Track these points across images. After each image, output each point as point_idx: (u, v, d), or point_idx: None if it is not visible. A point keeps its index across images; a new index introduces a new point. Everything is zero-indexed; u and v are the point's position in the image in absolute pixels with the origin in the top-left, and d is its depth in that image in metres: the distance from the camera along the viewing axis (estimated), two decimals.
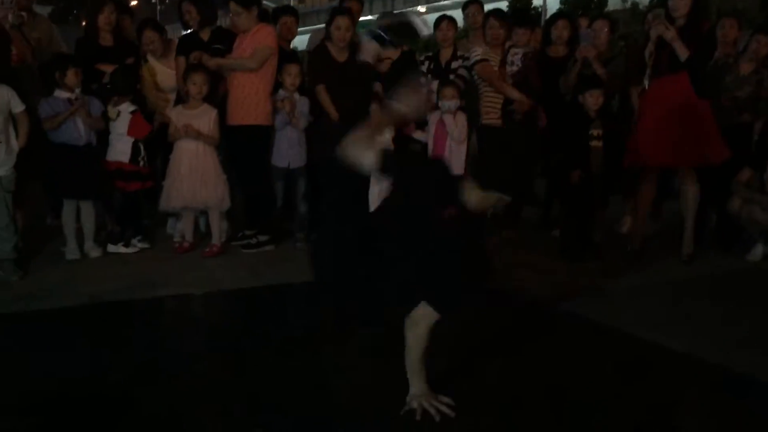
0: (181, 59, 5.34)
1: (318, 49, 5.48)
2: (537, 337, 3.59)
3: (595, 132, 5.14)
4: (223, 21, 5.84)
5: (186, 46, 5.44)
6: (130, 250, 5.12)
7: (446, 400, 2.66)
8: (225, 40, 5.36)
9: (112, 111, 4.99)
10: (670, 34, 4.72)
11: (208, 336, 3.65)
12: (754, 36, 5.42)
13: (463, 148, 5.54)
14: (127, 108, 5.02)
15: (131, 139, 5.02)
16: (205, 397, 2.82)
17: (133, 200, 5.17)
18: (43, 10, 5.55)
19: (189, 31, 5.64)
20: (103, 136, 5.02)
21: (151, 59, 5.48)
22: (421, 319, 2.60)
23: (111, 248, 5.10)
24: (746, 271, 4.94)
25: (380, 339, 3.14)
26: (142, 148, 5.07)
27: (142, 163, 5.08)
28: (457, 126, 5.45)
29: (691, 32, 4.73)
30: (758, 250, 5.11)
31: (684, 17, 4.77)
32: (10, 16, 4.71)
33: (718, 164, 4.84)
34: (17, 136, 4.49)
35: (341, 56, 5.31)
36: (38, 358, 3.17)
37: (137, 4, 28.96)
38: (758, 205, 5.02)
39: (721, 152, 4.80)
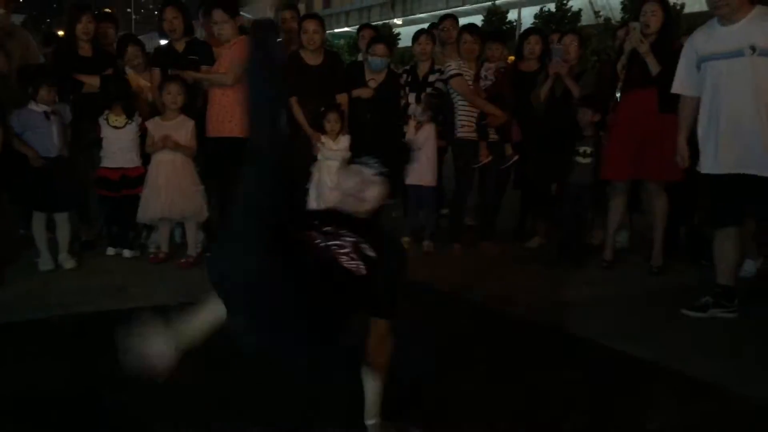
0: (156, 71, 5.35)
1: (290, 56, 5.54)
2: (508, 347, 3.64)
3: (582, 149, 5.31)
4: (199, 33, 5.87)
5: (161, 57, 5.45)
6: (129, 254, 5.22)
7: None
8: (200, 51, 5.38)
9: (119, 119, 5.05)
10: (644, 47, 4.84)
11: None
12: None
13: (434, 157, 5.59)
14: (137, 118, 5.14)
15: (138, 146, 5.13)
16: (178, 407, 2.82)
17: (130, 204, 5.20)
18: (16, 19, 5.50)
19: (164, 42, 5.66)
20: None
21: (130, 72, 5.48)
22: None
23: (110, 251, 5.23)
24: (713, 282, 5.02)
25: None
26: None
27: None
28: (418, 136, 5.52)
29: (662, 48, 4.86)
30: (750, 266, 5.12)
31: (655, 34, 4.90)
32: None
33: (678, 180, 4.94)
34: None
35: (315, 61, 5.41)
36: (11, 369, 3.16)
37: (111, 12, 28.78)
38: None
39: (678, 172, 4.88)
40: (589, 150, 5.31)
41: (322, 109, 5.34)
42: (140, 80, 5.50)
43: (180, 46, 5.42)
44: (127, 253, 5.23)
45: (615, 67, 5.14)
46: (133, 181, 5.15)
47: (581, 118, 5.34)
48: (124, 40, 5.77)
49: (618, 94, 5.20)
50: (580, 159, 5.34)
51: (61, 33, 6.96)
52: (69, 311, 4.01)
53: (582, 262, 5.29)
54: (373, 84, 5.65)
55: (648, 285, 4.93)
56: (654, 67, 4.84)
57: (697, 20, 18.77)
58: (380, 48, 5.70)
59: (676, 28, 5.07)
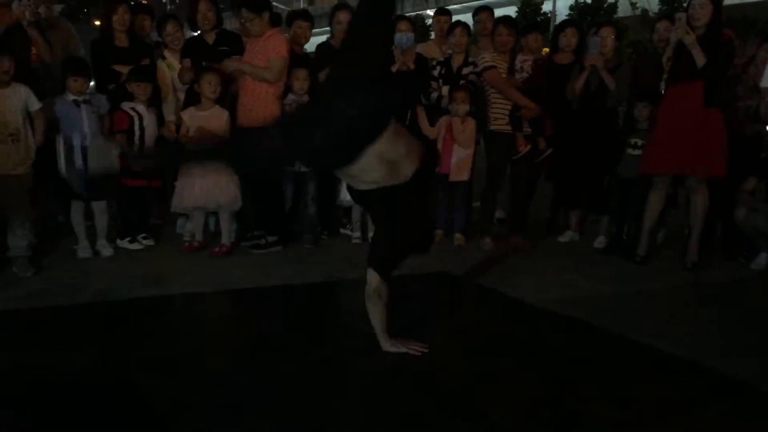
0: (187, 61, 5.41)
1: (320, 46, 5.71)
2: (538, 339, 3.64)
3: (633, 141, 5.33)
4: (228, 23, 5.94)
5: (191, 48, 5.51)
6: (135, 246, 5.20)
7: (416, 344, 3.26)
8: (230, 42, 5.44)
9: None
10: (690, 38, 4.76)
11: (218, 334, 3.70)
12: (762, 45, 5.46)
13: (470, 153, 5.60)
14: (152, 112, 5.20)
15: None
16: (213, 393, 2.88)
17: (142, 196, 5.28)
18: (54, 9, 5.60)
19: (195, 33, 5.73)
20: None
21: (168, 56, 5.56)
22: (369, 284, 3.16)
23: (118, 243, 5.20)
24: (750, 280, 4.98)
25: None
26: None
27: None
28: (464, 131, 5.50)
29: (711, 41, 4.77)
30: (762, 259, 5.15)
31: (704, 26, 4.81)
32: (27, 13, 4.77)
33: (721, 177, 4.89)
34: (34, 134, 4.57)
35: None
36: (50, 354, 3.23)
37: (148, 2, 29.06)
38: (763, 214, 5.06)
39: (723, 169, 4.86)
40: (640, 142, 5.29)
41: None
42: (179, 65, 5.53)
43: (210, 38, 5.48)
44: (144, 241, 5.29)
45: (652, 60, 5.08)
46: (151, 171, 5.19)
47: (639, 111, 5.34)
48: (162, 20, 5.84)
49: (663, 86, 5.12)
50: (630, 151, 5.33)
51: (97, 23, 7.06)
52: (106, 298, 4.10)
53: (630, 255, 5.25)
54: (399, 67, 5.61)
55: (682, 281, 4.88)
56: (700, 60, 4.75)
57: (734, 12, 18.50)
58: (404, 24, 5.70)
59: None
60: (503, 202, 6.14)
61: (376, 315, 3.22)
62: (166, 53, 5.59)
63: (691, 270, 5.05)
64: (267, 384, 2.98)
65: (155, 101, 5.28)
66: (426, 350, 3.26)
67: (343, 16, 5.57)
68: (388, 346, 3.25)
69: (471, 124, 5.53)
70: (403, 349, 3.24)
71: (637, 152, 5.31)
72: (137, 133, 5.07)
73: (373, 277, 3.15)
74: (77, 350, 3.29)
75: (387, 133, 3.00)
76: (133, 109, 5.07)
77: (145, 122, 5.09)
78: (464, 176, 5.63)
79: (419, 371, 3.10)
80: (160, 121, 5.29)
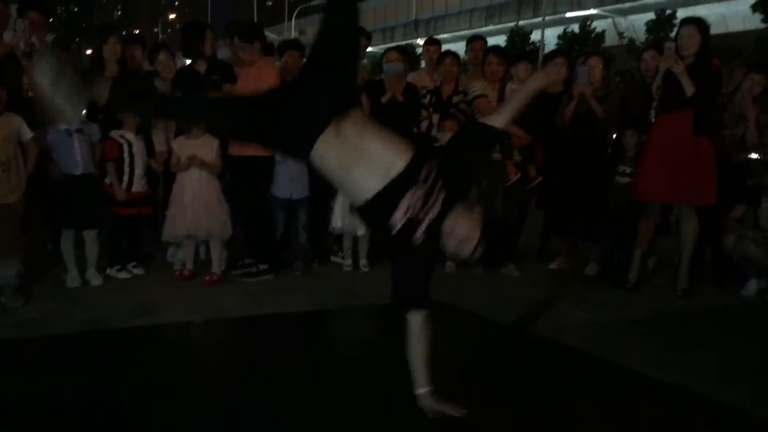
0: (179, 92, 5.43)
1: None
2: (529, 367, 3.64)
3: (621, 169, 5.42)
4: (221, 52, 6.00)
5: (183, 78, 5.54)
6: (124, 275, 5.17)
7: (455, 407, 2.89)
8: (222, 71, 5.48)
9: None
10: (680, 68, 4.82)
11: (209, 362, 3.68)
12: (748, 75, 5.54)
13: None
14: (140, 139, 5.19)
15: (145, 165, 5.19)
16: (205, 421, 2.85)
17: (132, 224, 5.26)
18: (46, 39, 5.63)
19: (188, 61, 5.78)
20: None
21: (159, 84, 5.59)
22: (413, 325, 2.89)
23: (108, 271, 5.17)
24: (740, 307, 5.00)
25: (381, 364, 3.21)
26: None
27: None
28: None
29: (699, 70, 4.84)
30: (752, 286, 5.18)
31: (693, 56, 4.88)
32: (22, 44, 4.79)
33: (710, 205, 4.94)
34: (25, 163, 4.57)
35: None
36: (40, 383, 3.20)
37: (139, 33, 29.29)
38: (752, 241, 5.10)
39: (712, 197, 4.91)
40: (629, 170, 5.34)
41: None
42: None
43: (202, 67, 5.52)
44: (134, 270, 5.26)
45: (649, 87, 5.14)
46: (141, 199, 5.21)
47: (627, 139, 5.43)
48: (154, 49, 5.88)
49: (653, 115, 5.19)
50: (619, 179, 5.39)
51: (89, 52, 7.09)
52: (96, 327, 4.07)
53: (621, 282, 5.27)
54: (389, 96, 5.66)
55: (673, 308, 4.89)
56: (689, 89, 4.82)
57: (720, 42, 18.79)
58: (392, 54, 5.79)
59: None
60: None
61: (419, 354, 2.92)
62: (158, 82, 5.62)
63: (681, 297, 5.07)
64: (259, 413, 2.96)
65: (145, 129, 5.30)
66: (466, 414, 2.89)
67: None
68: (428, 399, 2.91)
69: None
70: (437, 408, 2.90)
71: (626, 180, 5.37)
72: (126, 160, 5.08)
73: (416, 318, 2.89)
74: (67, 380, 3.26)
75: (353, 120, 2.78)
76: (122, 136, 5.08)
77: (135, 150, 5.10)
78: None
79: (414, 398, 3.07)
80: (150, 148, 5.30)
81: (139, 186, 5.16)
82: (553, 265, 5.94)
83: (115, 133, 5.09)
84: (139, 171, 5.15)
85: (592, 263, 5.77)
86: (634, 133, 5.41)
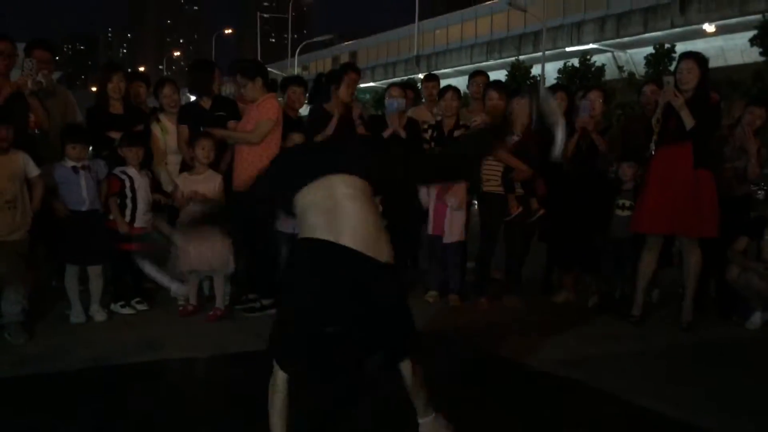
0: (184, 127, 5.49)
1: (313, 110, 5.87)
2: (534, 401, 3.61)
3: (621, 202, 5.46)
4: (225, 88, 6.09)
5: (188, 114, 5.61)
6: (128, 311, 5.18)
7: None
8: (226, 107, 5.54)
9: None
10: (679, 101, 4.86)
11: (213, 399, 3.66)
12: (747, 108, 5.58)
13: (462, 214, 5.66)
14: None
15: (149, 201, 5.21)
16: None
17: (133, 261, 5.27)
18: (53, 76, 5.72)
19: (193, 98, 5.85)
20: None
21: (163, 118, 5.66)
22: (407, 372, 2.83)
23: (111, 307, 5.18)
24: (745, 339, 4.98)
25: (385, 403, 3.19)
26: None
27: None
28: (455, 195, 5.56)
29: (699, 103, 4.88)
30: (757, 318, 5.16)
31: (692, 90, 4.92)
32: (29, 83, 4.86)
33: (712, 237, 4.94)
34: (31, 200, 4.60)
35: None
36: (43, 420, 3.20)
37: (145, 70, 29.65)
38: (755, 273, 5.09)
39: (713, 229, 4.93)
40: (628, 203, 5.37)
41: None
42: (173, 128, 5.61)
43: (207, 104, 5.58)
44: (138, 306, 5.26)
45: (640, 123, 5.19)
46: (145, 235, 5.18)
47: (624, 172, 5.47)
48: (160, 82, 5.96)
49: (653, 148, 5.22)
50: (619, 212, 5.42)
51: (93, 89, 7.19)
52: (99, 364, 4.06)
53: (625, 315, 5.26)
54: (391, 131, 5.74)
55: (678, 341, 4.87)
56: (689, 122, 4.85)
57: (719, 75, 18.96)
58: (394, 90, 5.89)
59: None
60: (498, 262, 6.16)
61: (419, 393, 2.92)
62: (161, 116, 5.69)
63: (686, 330, 5.05)
64: None
65: (148, 165, 5.35)
66: None
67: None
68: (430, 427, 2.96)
69: (462, 185, 5.59)
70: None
71: (626, 213, 5.39)
72: (129, 195, 5.11)
73: (407, 365, 2.86)
74: (71, 417, 3.25)
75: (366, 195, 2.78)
76: (123, 172, 5.13)
77: (137, 185, 5.14)
78: (457, 237, 5.67)
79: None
80: (155, 185, 5.34)
81: (142, 222, 5.17)
82: (557, 298, 5.93)
83: (117, 170, 5.13)
84: (141, 206, 5.17)
85: (593, 295, 5.76)
86: (631, 165, 5.45)
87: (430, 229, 5.74)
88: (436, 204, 5.64)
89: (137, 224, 5.15)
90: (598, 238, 5.69)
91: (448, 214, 5.62)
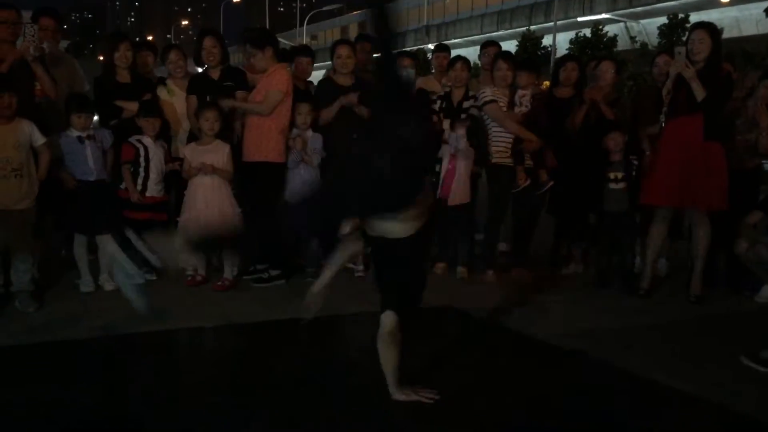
0: (192, 98, 5.45)
1: (321, 82, 5.82)
2: (541, 374, 3.62)
3: (612, 175, 5.31)
4: (233, 58, 6.03)
5: (197, 84, 5.57)
6: (150, 276, 5.18)
7: (427, 391, 3.13)
8: (235, 78, 5.50)
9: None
10: (690, 72, 4.80)
11: (219, 369, 3.69)
12: (762, 81, 5.49)
13: (467, 176, 5.61)
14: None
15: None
16: (216, 428, 2.85)
17: (146, 230, 5.26)
18: (60, 45, 5.68)
19: (200, 70, 5.80)
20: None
21: (169, 82, 5.63)
22: (383, 326, 3.03)
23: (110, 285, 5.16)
24: (754, 313, 4.96)
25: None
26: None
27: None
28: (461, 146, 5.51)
29: (710, 75, 4.82)
30: (766, 292, 5.14)
31: (703, 60, 4.85)
32: (31, 49, 4.82)
33: (721, 209, 4.90)
34: (38, 169, 4.60)
35: (346, 82, 5.59)
36: (52, 389, 3.22)
37: (153, 39, 29.52)
38: (765, 246, 5.04)
39: (723, 202, 4.88)
40: (620, 175, 5.31)
41: None
42: (180, 91, 5.58)
43: (216, 74, 5.53)
44: (146, 275, 5.24)
45: (653, 93, 5.12)
46: (156, 205, 5.22)
47: (610, 142, 5.35)
48: (167, 48, 5.92)
49: (662, 119, 5.17)
50: (612, 185, 5.35)
51: (101, 58, 7.16)
52: (108, 332, 4.09)
53: (626, 288, 5.26)
54: None
55: (687, 314, 4.86)
56: (699, 93, 4.79)
57: (733, 46, 18.71)
58: (405, 60, 5.85)
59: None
60: (506, 234, 6.14)
61: (388, 360, 3.07)
62: (168, 81, 5.65)
63: (695, 303, 5.04)
64: (270, 419, 2.96)
65: (165, 135, 5.35)
66: (437, 397, 3.12)
67: (343, 50, 5.65)
68: (398, 394, 3.10)
69: (470, 153, 5.54)
70: (414, 398, 3.10)
71: (621, 185, 5.32)
72: (142, 164, 5.11)
73: (389, 319, 3.02)
74: (79, 385, 3.28)
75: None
76: (139, 141, 5.12)
77: (151, 154, 5.13)
78: (461, 199, 5.59)
79: (427, 408, 3.07)
80: (168, 156, 5.33)
81: (154, 191, 5.17)
82: (565, 270, 5.92)
83: (133, 138, 5.13)
84: (154, 176, 5.16)
85: (594, 268, 5.74)
86: (617, 135, 5.35)
87: (439, 193, 5.65)
88: (447, 171, 5.58)
89: (149, 193, 5.15)
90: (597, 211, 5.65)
91: (456, 175, 5.55)
